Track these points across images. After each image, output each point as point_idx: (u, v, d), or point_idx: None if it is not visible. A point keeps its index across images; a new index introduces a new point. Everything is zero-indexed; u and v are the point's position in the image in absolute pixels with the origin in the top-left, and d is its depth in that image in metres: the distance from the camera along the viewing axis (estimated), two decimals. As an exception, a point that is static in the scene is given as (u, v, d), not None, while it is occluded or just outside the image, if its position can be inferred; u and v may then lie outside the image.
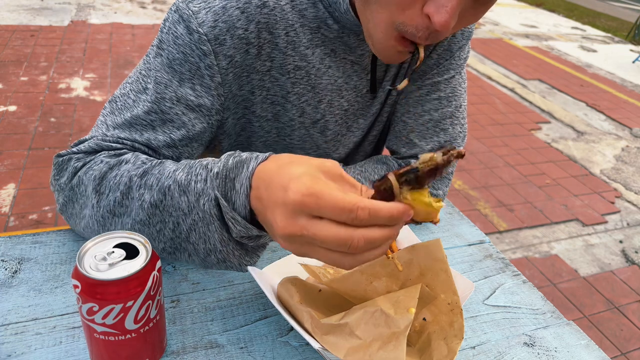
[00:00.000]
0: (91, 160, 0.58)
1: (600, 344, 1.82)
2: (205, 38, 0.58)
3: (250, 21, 0.61)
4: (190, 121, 0.62)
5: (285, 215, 0.41)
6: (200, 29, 0.58)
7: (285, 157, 0.47)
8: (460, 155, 0.39)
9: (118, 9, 4.73)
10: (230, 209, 0.48)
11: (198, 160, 0.53)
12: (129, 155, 0.57)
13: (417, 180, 0.40)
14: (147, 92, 0.61)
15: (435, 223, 0.43)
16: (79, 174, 0.57)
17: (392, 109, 0.81)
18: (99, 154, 0.58)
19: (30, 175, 2.21)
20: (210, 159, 0.53)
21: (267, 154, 0.49)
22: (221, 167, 0.49)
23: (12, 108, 2.75)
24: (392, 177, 0.41)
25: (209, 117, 0.64)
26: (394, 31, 0.54)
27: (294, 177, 0.42)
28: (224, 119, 0.68)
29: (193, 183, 0.50)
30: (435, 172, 0.39)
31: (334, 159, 0.82)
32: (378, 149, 0.88)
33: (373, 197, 0.42)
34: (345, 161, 0.86)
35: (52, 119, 2.68)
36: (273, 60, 0.66)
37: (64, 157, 0.60)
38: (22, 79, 3.09)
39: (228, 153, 0.51)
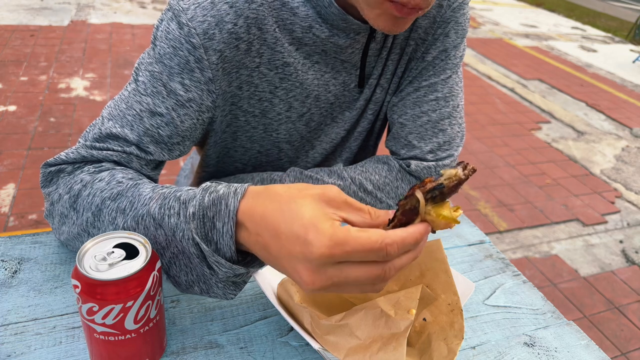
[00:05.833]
0: (73, 177, 0.57)
1: (601, 344, 1.82)
2: (195, 32, 0.59)
3: (239, 16, 0.61)
4: (179, 117, 0.62)
5: (312, 270, 0.39)
6: (190, 23, 0.59)
7: (278, 190, 0.44)
8: (474, 171, 0.41)
9: (118, 9, 4.73)
10: (213, 252, 0.45)
11: (173, 190, 0.51)
12: (104, 173, 0.56)
13: (441, 196, 0.40)
14: (138, 84, 0.62)
15: (451, 228, 0.43)
16: (59, 190, 0.58)
17: (378, 107, 0.81)
18: (81, 170, 0.58)
19: (30, 175, 2.21)
20: (184, 188, 0.50)
21: (244, 186, 0.46)
22: (197, 207, 0.45)
23: (12, 108, 2.75)
24: (420, 195, 0.41)
25: (200, 113, 0.64)
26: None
27: (307, 225, 0.39)
28: (215, 116, 0.68)
29: (167, 217, 0.48)
30: (458, 186, 0.40)
31: (319, 150, 0.82)
32: (364, 147, 0.88)
33: (395, 216, 0.42)
34: (331, 157, 0.86)
35: (52, 119, 2.68)
36: (262, 56, 0.66)
37: (51, 169, 0.60)
38: (22, 78, 3.09)
39: (202, 187, 0.47)
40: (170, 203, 0.48)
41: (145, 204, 0.50)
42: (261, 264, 0.50)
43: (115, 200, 0.52)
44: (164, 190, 0.51)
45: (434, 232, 0.43)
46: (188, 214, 0.46)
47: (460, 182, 0.40)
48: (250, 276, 0.51)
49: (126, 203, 0.52)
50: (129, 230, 0.51)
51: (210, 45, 0.60)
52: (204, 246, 0.45)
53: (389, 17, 0.57)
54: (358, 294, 0.55)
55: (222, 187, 0.46)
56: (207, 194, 0.46)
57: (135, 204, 0.51)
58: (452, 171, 0.40)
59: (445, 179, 0.40)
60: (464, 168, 0.40)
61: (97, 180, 0.55)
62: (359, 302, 0.52)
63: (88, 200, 0.54)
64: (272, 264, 0.44)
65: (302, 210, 0.40)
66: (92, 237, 0.53)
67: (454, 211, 0.42)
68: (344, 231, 0.39)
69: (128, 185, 0.54)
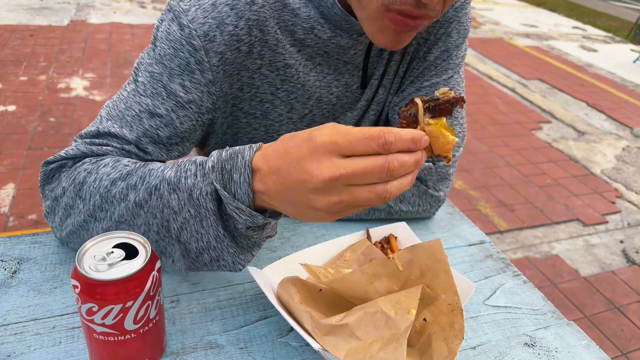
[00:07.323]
0: (75, 169, 0.58)
1: (601, 344, 1.82)
2: (195, 33, 0.59)
3: (240, 18, 0.61)
4: (178, 118, 0.62)
5: (319, 161, 0.42)
6: (190, 25, 0.59)
7: (284, 136, 0.48)
8: (464, 100, 0.47)
9: (117, 9, 4.73)
10: (233, 199, 0.48)
11: (186, 159, 0.53)
12: (107, 159, 0.57)
13: (437, 107, 0.46)
14: (137, 85, 0.62)
15: (448, 161, 0.47)
16: (62, 184, 0.58)
17: (381, 107, 0.81)
18: (82, 162, 0.58)
19: (30, 175, 2.21)
20: (199, 156, 0.53)
21: (260, 143, 0.50)
22: (215, 161, 0.49)
23: (12, 108, 2.75)
24: (419, 101, 0.46)
25: (199, 114, 0.64)
26: (383, 9, 0.55)
27: (312, 131, 0.44)
28: (215, 118, 0.68)
29: (183, 179, 0.50)
30: (451, 104, 0.46)
31: None
32: None
33: (398, 124, 0.48)
34: None
35: (52, 119, 2.68)
36: (263, 58, 0.66)
37: (52, 166, 0.60)
38: (22, 78, 3.09)
39: (218, 150, 0.51)
40: (186, 167, 0.51)
41: (158, 176, 0.52)
42: (277, 216, 0.52)
43: (124, 179, 0.54)
44: (176, 161, 0.54)
45: (434, 159, 0.48)
46: (207, 167, 0.49)
47: (451, 102, 0.46)
48: (258, 245, 0.54)
49: (136, 179, 0.53)
50: (139, 204, 0.52)
51: (211, 47, 0.60)
52: (224, 192, 0.48)
53: (390, 32, 0.57)
54: (362, 276, 0.55)
55: (238, 146, 0.50)
56: (225, 151, 0.50)
57: (147, 178, 0.53)
58: (445, 89, 0.47)
59: (440, 94, 0.46)
60: (454, 91, 0.47)
61: (101, 166, 0.56)
62: (359, 302, 0.52)
63: (95, 185, 0.55)
64: (282, 186, 0.46)
65: (305, 132, 0.45)
66: (98, 221, 0.55)
67: (451, 132, 0.46)
68: (345, 126, 0.44)
69: (137, 166, 0.55)
